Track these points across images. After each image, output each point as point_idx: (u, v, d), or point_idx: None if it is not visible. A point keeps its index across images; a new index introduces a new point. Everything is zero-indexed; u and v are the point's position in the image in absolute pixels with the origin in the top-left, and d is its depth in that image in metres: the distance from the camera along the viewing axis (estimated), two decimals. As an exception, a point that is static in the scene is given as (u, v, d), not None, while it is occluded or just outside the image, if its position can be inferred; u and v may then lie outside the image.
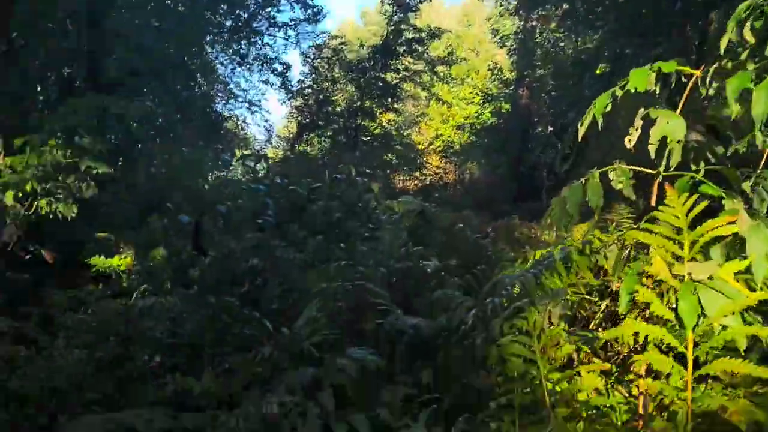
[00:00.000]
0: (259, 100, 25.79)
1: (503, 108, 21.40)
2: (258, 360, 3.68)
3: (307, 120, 22.17)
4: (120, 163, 8.77)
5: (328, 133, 22.62)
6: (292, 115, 24.50)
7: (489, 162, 21.69)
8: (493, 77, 23.01)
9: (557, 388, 3.00)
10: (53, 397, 4.03)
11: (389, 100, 21.38)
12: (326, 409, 2.85)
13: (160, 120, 14.66)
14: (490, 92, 22.55)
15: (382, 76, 21.00)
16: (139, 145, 12.15)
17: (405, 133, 25.13)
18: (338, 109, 22.12)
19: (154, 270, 5.87)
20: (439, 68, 21.92)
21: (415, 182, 22.59)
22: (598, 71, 15.22)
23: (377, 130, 22.58)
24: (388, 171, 21.11)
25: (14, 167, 5.53)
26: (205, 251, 4.87)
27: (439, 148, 24.58)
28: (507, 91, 21.94)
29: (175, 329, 4.40)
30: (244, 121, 23.83)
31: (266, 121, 23.20)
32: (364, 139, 22.04)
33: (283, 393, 3.16)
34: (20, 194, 6.15)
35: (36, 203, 6.36)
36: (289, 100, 22.37)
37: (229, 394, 3.60)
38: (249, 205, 4.85)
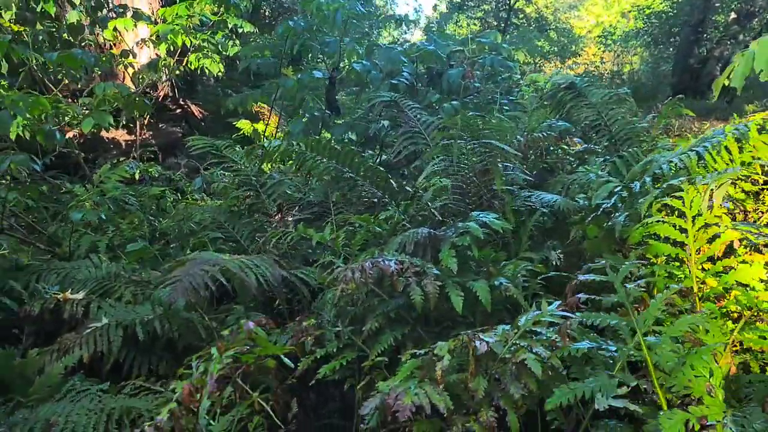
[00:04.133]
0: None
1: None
2: (380, 219, 3.60)
3: (458, -1, 21.08)
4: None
5: (479, 14, 21.39)
6: (443, -7, 23.43)
7: (652, 53, 19.50)
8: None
9: (708, 281, 2.62)
10: (190, 235, 4.27)
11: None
12: (447, 270, 2.69)
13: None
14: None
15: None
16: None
17: (562, 17, 23.17)
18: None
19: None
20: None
21: (567, 71, 20.99)
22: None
23: (533, 14, 20.96)
24: (538, 58, 19.72)
25: (165, 17, 5.66)
26: (338, 108, 4.77)
27: (599, 36, 22.45)
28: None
29: (303, 188, 4.43)
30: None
31: (416, 0, 22.52)
32: (516, 22, 20.58)
33: (399, 250, 3.05)
34: (172, 48, 6.36)
35: (186, 58, 6.57)
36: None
37: (347, 249, 3.57)
38: (384, 64, 4.64)
